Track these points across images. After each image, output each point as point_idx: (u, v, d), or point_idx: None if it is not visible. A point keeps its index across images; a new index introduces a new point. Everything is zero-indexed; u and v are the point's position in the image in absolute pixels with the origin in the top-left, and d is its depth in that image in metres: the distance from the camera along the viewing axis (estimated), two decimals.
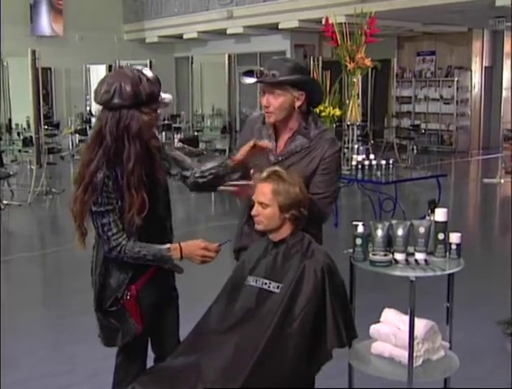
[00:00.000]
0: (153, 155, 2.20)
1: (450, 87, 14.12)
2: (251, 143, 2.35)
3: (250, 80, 2.45)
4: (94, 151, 2.12)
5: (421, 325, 2.53)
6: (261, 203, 2.27)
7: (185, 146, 10.70)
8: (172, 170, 2.36)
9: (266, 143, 2.40)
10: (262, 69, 2.41)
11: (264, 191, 2.26)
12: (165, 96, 2.20)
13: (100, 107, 2.16)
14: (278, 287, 2.20)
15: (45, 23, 15.03)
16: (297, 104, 2.42)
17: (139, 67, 2.19)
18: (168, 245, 2.19)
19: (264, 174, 2.29)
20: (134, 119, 2.10)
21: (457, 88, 13.94)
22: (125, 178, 2.10)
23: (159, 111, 2.20)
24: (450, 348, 2.68)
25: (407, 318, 2.44)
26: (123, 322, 2.24)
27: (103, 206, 2.12)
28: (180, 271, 2.32)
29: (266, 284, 2.23)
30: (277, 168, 2.31)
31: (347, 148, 7.10)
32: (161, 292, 2.34)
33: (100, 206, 2.12)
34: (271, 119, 2.46)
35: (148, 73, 2.16)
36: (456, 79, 13.95)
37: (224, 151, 11.61)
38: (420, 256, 2.52)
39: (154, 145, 2.22)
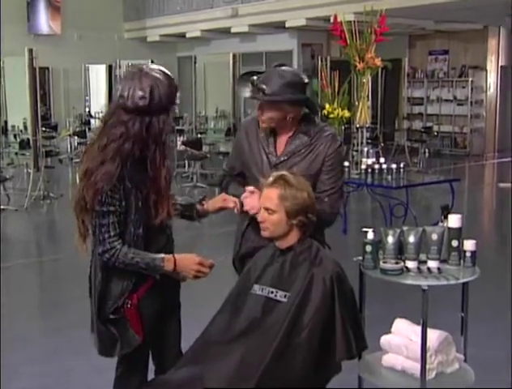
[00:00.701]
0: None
1: (464, 87, 14.10)
2: (226, 204, 2.45)
3: (244, 94, 2.55)
4: (109, 154, 2.12)
5: (434, 336, 2.53)
6: (267, 209, 2.27)
7: (188, 149, 10.73)
8: None
9: (234, 203, 2.47)
10: (255, 79, 2.48)
11: (270, 196, 2.27)
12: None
13: (106, 106, 2.19)
14: (285, 296, 2.20)
15: (43, 21, 15.11)
16: (289, 116, 2.49)
17: (153, 66, 2.21)
18: (162, 255, 2.20)
19: (270, 179, 2.30)
20: (167, 124, 2.15)
21: (471, 89, 13.92)
22: (162, 181, 2.18)
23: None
24: (465, 361, 2.67)
25: (419, 329, 2.44)
26: (123, 332, 2.24)
27: (105, 206, 2.13)
28: (182, 279, 2.33)
29: (272, 292, 2.23)
30: (284, 172, 2.32)
31: (357, 151, 7.10)
32: (163, 301, 2.34)
33: (102, 205, 2.13)
34: (264, 125, 2.53)
35: (164, 69, 2.20)
36: (470, 79, 13.93)
37: (228, 154, 11.61)
38: (432, 264, 2.51)
39: None
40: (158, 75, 2.15)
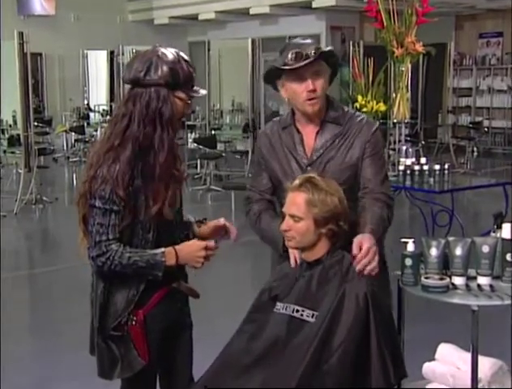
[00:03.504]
0: (176, 153, 2.29)
1: None
2: (221, 223, 2.43)
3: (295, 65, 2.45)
4: (115, 140, 2.17)
5: (487, 365, 2.52)
6: (292, 216, 2.28)
7: (201, 147, 10.79)
8: None
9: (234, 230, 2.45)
10: (298, 51, 2.43)
11: (296, 202, 2.27)
12: (201, 91, 2.31)
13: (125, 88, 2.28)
14: (312, 315, 2.21)
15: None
16: (328, 77, 2.55)
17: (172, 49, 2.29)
18: (162, 249, 2.23)
19: (296, 182, 2.31)
20: (168, 102, 2.21)
21: None
22: (157, 168, 2.19)
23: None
24: None
25: (468, 356, 2.43)
26: (125, 352, 2.26)
27: (108, 203, 2.16)
28: (195, 295, 2.35)
29: (298, 311, 2.24)
30: (312, 174, 2.33)
31: (394, 150, 7.09)
32: (173, 318, 2.36)
33: (105, 202, 2.16)
34: (317, 106, 2.52)
35: (184, 55, 2.27)
36: None
37: (247, 152, 11.66)
38: (483, 281, 2.50)
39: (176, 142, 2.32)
40: (163, 50, 2.23)
